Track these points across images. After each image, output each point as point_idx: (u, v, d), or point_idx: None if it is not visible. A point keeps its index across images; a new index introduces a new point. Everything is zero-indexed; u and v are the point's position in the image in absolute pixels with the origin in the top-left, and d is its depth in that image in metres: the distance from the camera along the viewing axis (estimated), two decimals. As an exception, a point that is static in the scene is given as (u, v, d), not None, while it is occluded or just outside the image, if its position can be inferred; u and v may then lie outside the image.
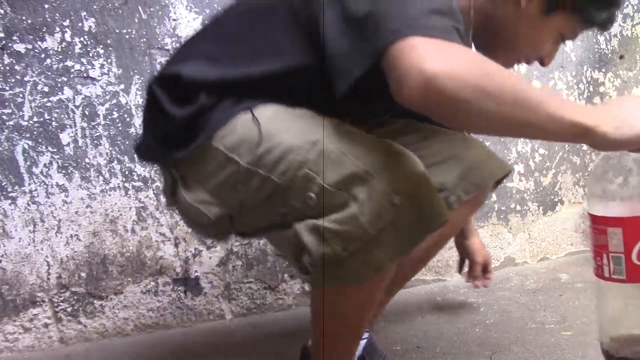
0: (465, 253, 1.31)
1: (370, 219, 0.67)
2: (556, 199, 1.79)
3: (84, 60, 1.29)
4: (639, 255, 0.67)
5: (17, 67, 1.24)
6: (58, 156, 1.29)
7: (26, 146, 1.27)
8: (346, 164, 0.68)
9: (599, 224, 0.70)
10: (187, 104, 0.75)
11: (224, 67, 0.75)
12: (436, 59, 0.57)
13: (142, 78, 1.33)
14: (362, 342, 1.01)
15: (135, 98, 1.33)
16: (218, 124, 0.73)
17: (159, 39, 1.33)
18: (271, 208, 0.73)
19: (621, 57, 1.79)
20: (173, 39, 1.34)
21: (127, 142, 1.33)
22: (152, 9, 1.32)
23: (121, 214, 1.35)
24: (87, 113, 1.30)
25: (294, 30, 0.74)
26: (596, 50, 1.76)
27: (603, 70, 1.78)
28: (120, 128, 1.33)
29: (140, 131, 1.34)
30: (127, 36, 1.31)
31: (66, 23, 1.26)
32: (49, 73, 1.26)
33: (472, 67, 0.59)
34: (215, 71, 0.75)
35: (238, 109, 0.73)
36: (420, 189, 0.68)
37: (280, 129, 0.71)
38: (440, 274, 1.64)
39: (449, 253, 1.57)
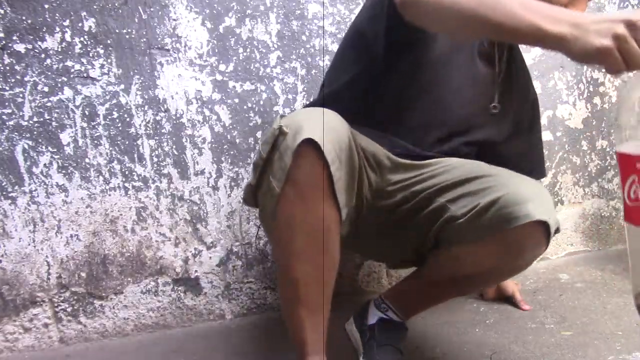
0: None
1: (263, 146, 0.86)
2: (556, 199, 1.79)
3: (84, 60, 1.29)
4: (629, 195, 0.62)
5: (17, 67, 1.24)
6: (58, 156, 1.29)
7: (26, 146, 1.27)
8: (277, 118, 0.89)
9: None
10: None
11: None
12: None
13: (142, 78, 1.33)
14: (381, 315, 1.09)
15: (135, 98, 1.33)
16: None
17: (159, 39, 1.33)
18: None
19: (621, 57, 1.79)
20: (173, 39, 1.34)
21: (127, 142, 1.34)
22: (152, 9, 1.32)
23: (121, 214, 1.35)
24: (87, 113, 1.30)
25: (352, 51, 1.05)
26: (596, 50, 1.76)
27: (603, 70, 1.77)
28: (120, 128, 1.33)
29: (140, 131, 1.34)
30: (127, 36, 1.31)
31: (66, 23, 1.26)
32: (49, 73, 1.26)
33: None
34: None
35: None
36: (306, 121, 0.82)
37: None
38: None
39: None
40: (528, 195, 0.86)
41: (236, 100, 1.40)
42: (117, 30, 1.30)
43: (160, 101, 1.35)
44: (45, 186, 1.29)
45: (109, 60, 1.30)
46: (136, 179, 1.35)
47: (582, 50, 0.61)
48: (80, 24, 1.27)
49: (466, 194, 0.92)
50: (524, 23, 0.65)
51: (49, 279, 1.31)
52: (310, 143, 0.80)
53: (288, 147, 0.81)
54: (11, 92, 1.25)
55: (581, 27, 0.61)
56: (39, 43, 1.25)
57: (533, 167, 1.18)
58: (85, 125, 1.30)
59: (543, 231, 0.86)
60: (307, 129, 0.80)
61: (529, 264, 0.95)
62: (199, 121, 1.38)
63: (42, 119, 1.27)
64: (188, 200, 1.39)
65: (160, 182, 1.37)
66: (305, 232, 0.83)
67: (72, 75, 1.28)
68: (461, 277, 0.98)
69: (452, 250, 0.95)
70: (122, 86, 1.32)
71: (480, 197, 0.89)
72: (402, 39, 0.93)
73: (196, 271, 1.42)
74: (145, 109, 1.34)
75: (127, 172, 1.34)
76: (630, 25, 0.58)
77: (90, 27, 1.28)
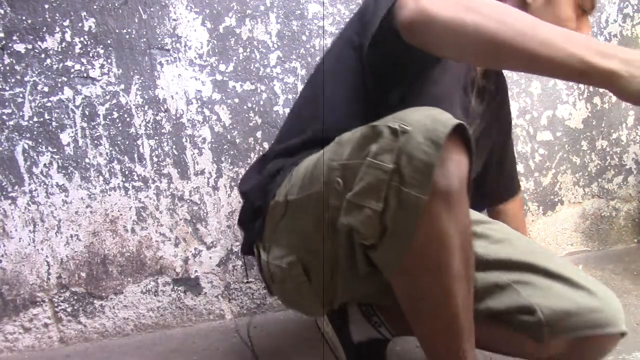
0: None
1: (384, 155, 0.64)
2: (556, 199, 1.79)
3: (84, 60, 1.29)
4: None
5: (17, 67, 1.24)
6: (58, 156, 1.29)
7: (26, 146, 1.27)
8: (357, 133, 0.69)
9: None
10: (260, 175, 0.90)
11: (287, 140, 0.91)
12: None
13: (142, 78, 1.33)
14: (372, 333, 0.97)
15: (135, 98, 1.33)
16: (279, 183, 0.84)
17: (159, 39, 1.33)
18: (320, 224, 0.75)
19: (621, 57, 1.79)
20: (173, 39, 1.34)
21: (127, 142, 1.34)
22: (152, 9, 1.32)
23: (121, 214, 1.35)
24: (87, 113, 1.30)
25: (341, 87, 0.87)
26: (596, 50, 1.76)
27: None
28: (120, 128, 1.33)
29: (140, 131, 1.34)
30: (127, 36, 1.31)
31: (66, 23, 1.26)
32: (49, 73, 1.26)
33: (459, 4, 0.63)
34: (280, 145, 0.92)
35: (290, 167, 0.84)
36: (432, 112, 0.66)
37: (312, 159, 0.79)
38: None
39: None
40: (611, 304, 0.80)
41: (236, 100, 1.40)
42: (117, 30, 1.30)
43: (160, 101, 1.35)
44: (45, 186, 1.29)
45: (109, 60, 1.30)
46: (136, 179, 1.35)
47: (638, 91, 0.55)
48: (80, 24, 1.27)
49: (536, 285, 0.81)
50: (566, 54, 0.57)
51: (49, 279, 1.31)
52: (459, 131, 0.64)
53: (420, 144, 0.62)
54: (11, 92, 1.25)
55: (636, 64, 0.55)
56: (39, 43, 1.25)
57: (506, 189, 1.20)
58: (85, 125, 1.30)
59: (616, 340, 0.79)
60: (442, 119, 0.63)
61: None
62: (199, 121, 1.38)
63: (42, 119, 1.27)
64: (188, 200, 1.39)
65: (160, 182, 1.37)
66: (460, 246, 0.67)
67: (72, 75, 1.28)
68: (493, 348, 0.86)
69: (515, 334, 0.82)
70: (122, 86, 1.32)
71: (561, 296, 0.79)
72: (398, 72, 0.80)
73: (196, 271, 1.42)
74: (145, 109, 1.34)
75: (127, 172, 1.34)
76: None
77: (90, 27, 1.28)
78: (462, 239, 0.67)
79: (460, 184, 0.64)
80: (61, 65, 1.27)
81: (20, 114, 1.26)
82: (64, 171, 1.30)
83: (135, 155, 1.34)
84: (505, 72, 1.68)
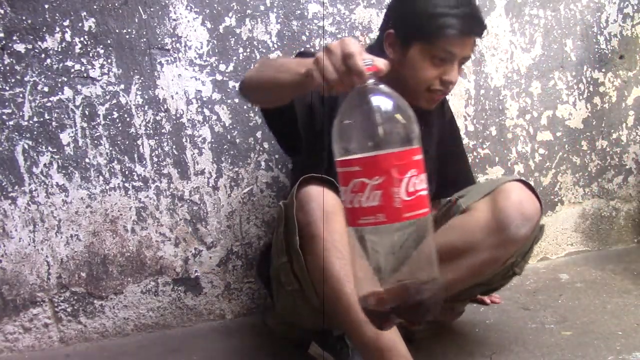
0: None
1: (281, 223, 0.99)
2: (556, 199, 1.79)
3: (84, 60, 1.29)
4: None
5: (17, 67, 1.24)
6: (58, 156, 1.29)
7: (26, 146, 1.27)
8: None
9: None
10: None
11: None
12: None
13: (142, 78, 1.33)
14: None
15: (135, 98, 1.33)
16: None
17: (159, 39, 1.33)
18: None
19: (621, 57, 1.79)
20: (173, 39, 1.34)
21: (127, 142, 1.34)
22: (152, 9, 1.32)
23: (121, 214, 1.35)
24: (87, 113, 1.30)
25: None
26: (596, 50, 1.76)
27: (603, 70, 1.77)
28: (120, 128, 1.33)
29: (140, 131, 1.34)
30: (127, 36, 1.31)
31: (66, 23, 1.26)
32: (49, 73, 1.26)
33: (254, 68, 1.00)
34: None
35: None
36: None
37: None
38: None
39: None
40: None
41: (236, 100, 1.40)
42: (117, 30, 1.30)
43: (160, 101, 1.35)
44: (45, 186, 1.29)
45: (109, 60, 1.30)
46: (136, 179, 1.35)
47: (318, 78, 0.73)
48: (80, 24, 1.27)
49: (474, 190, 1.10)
50: (294, 72, 0.80)
51: (49, 279, 1.31)
52: (307, 178, 0.94)
53: (289, 204, 0.94)
54: (11, 92, 1.25)
55: (309, 64, 0.76)
56: (39, 43, 1.25)
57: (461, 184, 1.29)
58: (85, 125, 1.30)
59: (531, 193, 1.03)
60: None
61: (520, 233, 0.98)
62: (199, 121, 1.38)
63: (42, 119, 1.27)
64: (188, 200, 1.39)
65: (160, 182, 1.37)
66: (336, 248, 0.90)
67: (72, 75, 1.28)
68: (448, 257, 0.95)
69: (449, 222, 1.05)
70: (122, 86, 1.32)
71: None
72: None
73: (196, 271, 1.42)
74: (145, 109, 1.34)
75: (127, 172, 1.34)
76: (326, 50, 0.70)
77: (90, 27, 1.28)
78: (335, 244, 0.89)
79: (320, 213, 0.90)
80: (61, 65, 1.27)
81: (20, 114, 1.26)
82: (64, 171, 1.30)
83: (135, 155, 1.34)
84: (500, 76, 1.68)
